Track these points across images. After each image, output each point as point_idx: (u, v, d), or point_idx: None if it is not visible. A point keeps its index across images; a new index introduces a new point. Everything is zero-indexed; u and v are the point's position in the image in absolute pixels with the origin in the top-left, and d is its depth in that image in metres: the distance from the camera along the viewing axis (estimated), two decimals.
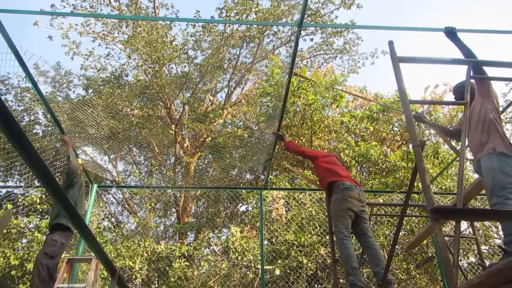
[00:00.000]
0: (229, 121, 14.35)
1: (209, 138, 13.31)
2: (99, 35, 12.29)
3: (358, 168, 11.48)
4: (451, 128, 3.81)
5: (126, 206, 13.26)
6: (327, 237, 7.82)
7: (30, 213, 8.81)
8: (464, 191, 3.79)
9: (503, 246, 2.74)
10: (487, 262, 7.29)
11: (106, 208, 11.72)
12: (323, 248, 8.58)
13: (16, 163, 9.44)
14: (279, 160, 11.80)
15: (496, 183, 2.74)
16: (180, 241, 11.33)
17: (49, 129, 10.90)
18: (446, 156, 10.36)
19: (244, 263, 9.16)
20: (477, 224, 8.47)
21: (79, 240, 6.07)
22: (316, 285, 9.24)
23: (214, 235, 11.49)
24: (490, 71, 3.06)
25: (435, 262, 9.19)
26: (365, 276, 8.52)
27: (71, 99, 10.89)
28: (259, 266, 8.55)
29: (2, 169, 10.20)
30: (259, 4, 12.10)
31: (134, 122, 12.15)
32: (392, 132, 12.58)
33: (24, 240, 8.53)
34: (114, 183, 11.71)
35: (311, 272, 8.57)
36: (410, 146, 10.76)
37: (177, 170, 12.88)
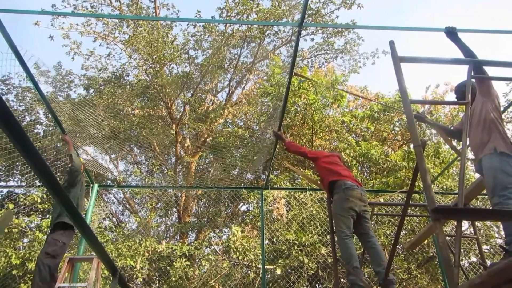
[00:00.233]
0: (230, 121, 14.36)
1: (210, 138, 13.32)
2: (100, 35, 12.30)
3: (359, 168, 11.48)
4: (452, 128, 3.81)
5: (127, 205, 13.27)
6: (328, 236, 7.82)
7: (31, 213, 8.83)
8: (465, 191, 3.79)
9: (505, 246, 2.74)
10: (488, 262, 7.29)
11: (107, 207, 11.74)
12: (324, 247, 8.58)
13: (17, 163, 9.46)
14: (280, 160, 11.80)
15: (497, 183, 2.74)
16: (181, 240, 11.34)
17: (50, 129, 10.92)
18: (447, 156, 10.35)
19: (245, 263, 9.17)
20: (478, 223, 8.47)
21: (80, 240, 6.07)
22: (317, 285, 9.24)
23: (215, 235, 11.50)
24: (491, 71, 3.06)
25: (436, 262, 9.19)
26: (366, 276, 8.52)
27: (72, 99, 10.91)
28: (260, 266, 8.55)
29: (3, 169, 10.22)
30: (260, 4, 12.10)
31: (135, 122, 12.17)
32: (393, 132, 12.57)
33: (25, 240, 8.55)
34: (115, 182, 11.73)
35: (312, 271, 8.57)
36: (411, 145, 10.76)
37: (178, 169, 12.90)
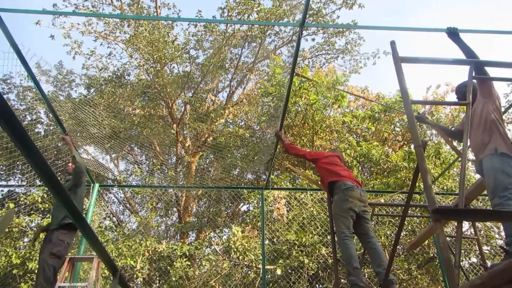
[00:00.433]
0: (231, 121, 14.36)
1: (211, 138, 13.33)
2: (101, 35, 12.31)
3: (360, 168, 11.47)
4: (452, 129, 3.81)
5: (128, 205, 13.28)
6: (329, 237, 7.82)
7: (32, 212, 8.84)
8: (465, 191, 3.78)
9: (505, 247, 2.74)
10: (489, 263, 7.29)
11: (107, 207, 11.75)
12: (325, 248, 8.57)
13: (18, 162, 9.47)
14: (280, 160, 11.80)
15: (498, 184, 2.74)
16: (182, 240, 11.34)
17: (51, 128, 10.93)
18: (447, 157, 10.35)
19: (245, 263, 9.17)
20: (478, 224, 8.46)
21: (80, 239, 6.08)
22: (317, 285, 9.24)
23: (215, 235, 11.49)
24: (492, 71, 3.06)
25: (436, 263, 9.19)
26: (366, 276, 8.52)
27: (73, 98, 10.93)
28: (260, 266, 8.55)
29: (4, 168, 10.23)
30: (261, 3, 12.10)
31: (136, 121, 12.17)
32: (393, 132, 12.57)
33: (25, 239, 8.56)
34: (115, 182, 11.73)
35: (313, 272, 8.57)
36: (412, 146, 10.75)
37: (178, 169, 12.89)
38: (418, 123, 10.22)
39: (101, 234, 9.16)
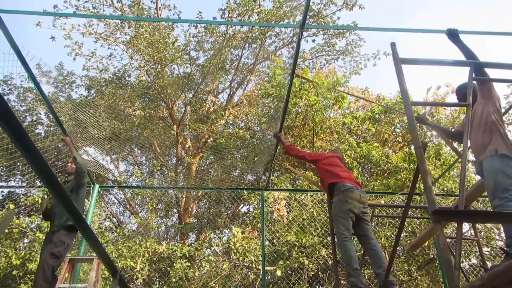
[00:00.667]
0: (231, 122, 14.36)
1: (211, 139, 13.33)
2: (101, 36, 12.32)
3: (360, 169, 11.47)
4: (453, 130, 3.81)
5: (128, 206, 13.28)
6: (329, 238, 7.81)
7: (32, 213, 8.84)
8: (466, 192, 3.78)
9: (505, 248, 2.74)
10: (489, 264, 7.28)
11: (107, 208, 11.75)
12: (324, 249, 8.57)
13: (18, 163, 9.47)
14: (280, 161, 11.80)
15: (498, 185, 2.74)
16: (182, 241, 11.34)
17: (51, 129, 10.93)
18: (448, 158, 10.35)
19: (245, 264, 9.16)
20: (479, 225, 8.45)
21: (80, 240, 6.08)
22: (317, 286, 9.23)
23: (215, 236, 11.49)
24: (492, 72, 3.06)
25: (436, 264, 9.18)
26: (366, 278, 8.51)
27: (73, 99, 10.93)
28: (260, 267, 8.54)
29: (4, 169, 10.23)
30: (261, 5, 12.11)
31: (136, 122, 12.17)
32: (394, 133, 12.56)
33: (25, 240, 8.55)
34: (115, 183, 11.73)
35: (312, 273, 8.56)
36: (412, 147, 10.75)
37: (178, 170, 12.90)
38: (418, 124, 10.21)
39: (101, 235, 9.16)
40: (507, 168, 2.77)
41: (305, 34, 13.14)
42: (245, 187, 10.73)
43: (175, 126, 12.95)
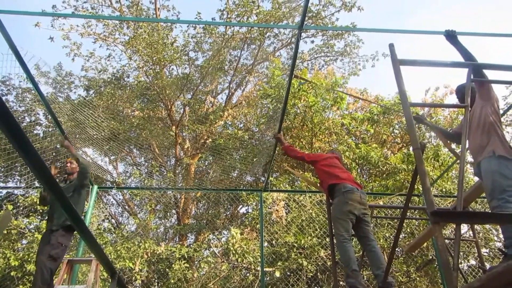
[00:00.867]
0: (230, 123, 14.36)
1: (210, 140, 13.32)
2: (100, 36, 12.32)
3: (359, 170, 11.47)
4: (451, 131, 3.81)
5: (126, 207, 13.26)
6: (327, 239, 7.81)
7: (30, 214, 8.82)
8: (464, 194, 3.79)
9: (503, 249, 2.74)
10: (488, 265, 7.28)
11: (106, 209, 11.73)
12: (323, 250, 8.56)
13: (16, 164, 9.45)
14: (279, 162, 11.80)
15: (495, 186, 2.74)
16: (180, 242, 11.32)
17: (50, 130, 10.92)
18: (446, 159, 10.36)
19: (244, 265, 9.15)
20: (477, 227, 8.45)
21: (79, 241, 6.06)
22: None
23: (214, 237, 11.48)
24: (490, 74, 3.06)
25: (435, 265, 9.18)
26: (365, 279, 8.51)
27: (72, 100, 10.92)
28: (259, 268, 8.54)
29: (2, 169, 10.21)
30: (260, 6, 12.12)
31: (135, 123, 12.17)
32: (392, 134, 12.58)
33: (24, 241, 8.53)
34: (114, 184, 11.72)
35: (311, 274, 8.55)
36: (411, 148, 10.76)
37: (177, 171, 12.89)
38: (416, 125, 10.21)
39: (99, 236, 9.14)
40: (505, 169, 2.78)
41: (303, 35, 13.17)
42: (244, 188, 10.74)
43: (174, 127, 12.94)
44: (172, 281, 8.74)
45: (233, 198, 10.21)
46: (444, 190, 9.63)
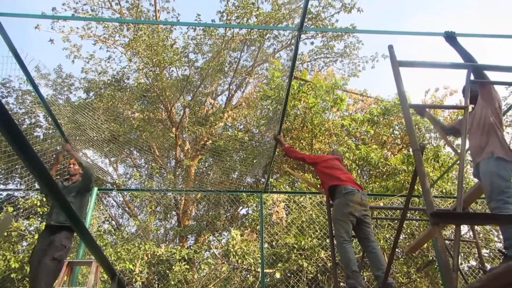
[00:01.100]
0: (230, 124, 14.37)
1: (210, 141, 13.32)
2: (100, 38, 12.33)
3: (359, 171, 11.47)
4: (449, 126, 3.78)
5: (127, 209, 13.25)
6: (328, 240, 7.80)
7: (31, 216, 8.81)
8: (464, 194, 3.79)
9: (503, 250, 2.74)
10: (488, 266, 7.28)
11: (106, 211, 11.73)
12: (324, 251, 8.56)
13: (16, 166, 9.45)
14: (279, 163, 11.80)
15: (494, 188, 2.75)
16: (181, 244, 11.31)
17: (50, 132, 10.92)
18: (446, 160, 10.36)
19: (245, 266, 9.14)
20: (477, 227, 8.45)
21: (79, 243, 6.06)
22: None
23: (214, 238, 11.47)
24: (490, 75, 3.06)
25: (435, 266, 9.17)
26: (365, 280, 8.50)
27: (72, 102, 10.93)
28: (259, 270, 8.52)
29: (3, 172, 10.21)
30: (260, 7, 12.14)
31: (135, 125, 12.17)
32: (392, 135, 12.58)
33: (24, 243, 8.53)
34: (114, 186, 11.71)
35: (312, 275, 8.54)
36: (411, 149, 10.74)
37: (177, 173, 12.88)
38: (416, 127, 10.22)
39: (99, 237, 9.14)
40: (503, 171, 2.78)
41: (303, 36, 13.18)
42: (244, 189, 10.73)
43: (174, 129, 12.94)
44: (173, 282, 8.73)
45: (233, 200, 10.20)
46: (444, 191, 9.62)
